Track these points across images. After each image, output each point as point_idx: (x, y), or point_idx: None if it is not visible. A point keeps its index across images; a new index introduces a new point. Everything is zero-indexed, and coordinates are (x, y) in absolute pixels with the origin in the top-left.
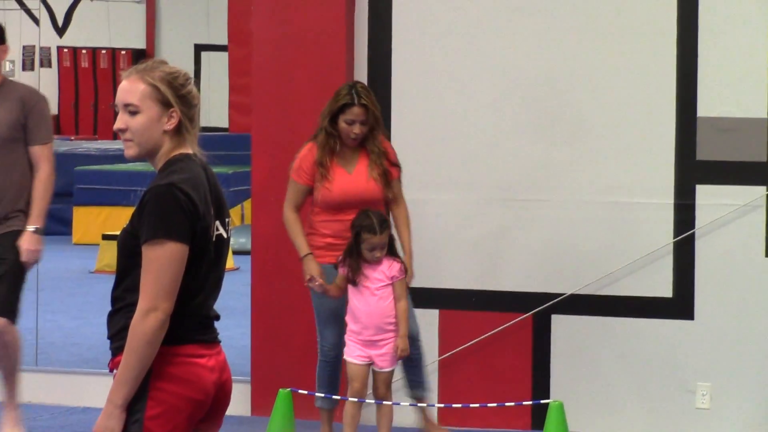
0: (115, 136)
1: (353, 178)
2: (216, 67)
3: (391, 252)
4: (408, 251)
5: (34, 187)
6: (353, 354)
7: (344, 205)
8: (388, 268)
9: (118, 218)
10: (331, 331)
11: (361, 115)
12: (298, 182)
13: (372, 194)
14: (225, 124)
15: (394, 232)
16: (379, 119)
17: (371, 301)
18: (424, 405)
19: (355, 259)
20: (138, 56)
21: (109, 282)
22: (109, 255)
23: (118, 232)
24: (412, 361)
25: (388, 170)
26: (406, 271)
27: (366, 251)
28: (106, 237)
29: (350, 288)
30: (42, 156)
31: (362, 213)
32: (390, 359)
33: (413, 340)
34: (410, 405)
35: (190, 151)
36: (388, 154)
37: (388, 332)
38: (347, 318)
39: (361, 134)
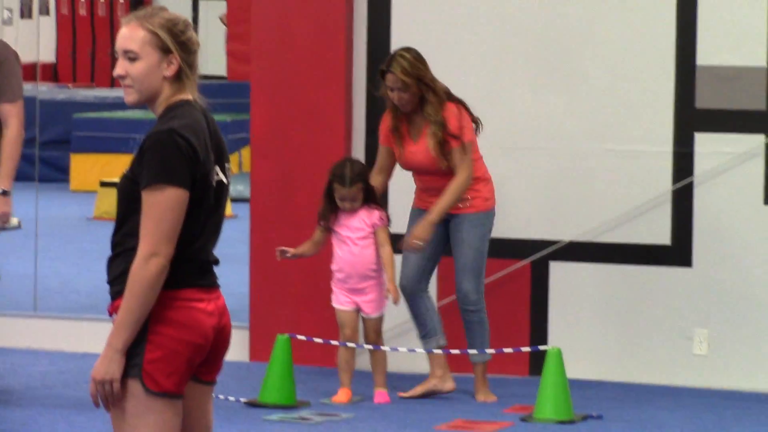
0: (113, 83)
1: (417, 148)
2: (214, 14)
3: (371, 200)
4: (432, 215)
5: (2, 147)
6: (340, 301)
7: (414, 171)
8: (368, 216)
9: (115, 165)
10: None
11: (396, 82)
12: (381, 144)
13: (431, 165)
14: (223, 72)
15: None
16: (428, 86)
17: (354, 251)
18: (415, 351)
19: (328, 205)
20: (136, 4)
21: (107, 229)
22: (107, 202)
23: (116, 179)
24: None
25: (446, 140)
26: (388, 219)
27: (337, 200)
28: (104, 184)
29: (333, 238)
30: (11, 114)
31: (340, 161)
32: (375, 305)
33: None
34: (408, 351)
35: (190, 97)
36: (447, 123)
37: (371, 279)
38: (333, 266)
39: (404, 101)
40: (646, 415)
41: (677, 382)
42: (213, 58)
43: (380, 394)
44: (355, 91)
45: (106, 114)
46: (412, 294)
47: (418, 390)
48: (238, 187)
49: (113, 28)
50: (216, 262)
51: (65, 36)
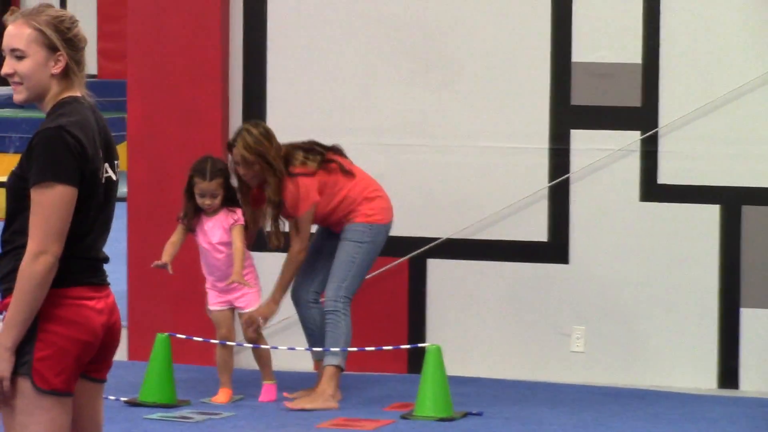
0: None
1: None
2: (82, 12)
3: (231, 202)
4: (275, 293)
5: None
6: (213, 301)
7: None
8: (225, 219)
9: None
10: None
11: (239, 158)
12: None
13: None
14: (93, 70)
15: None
16: (270, 164)
17: (217, 257)
18: (295, 348)
19: (189, 203)
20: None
21: None
22: None
23: None
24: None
25: (282, 216)
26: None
27: (197, 196)
28: None
29: (198, 243)
30: None
31: (202, 157)
32: (248, 300)
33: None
34: (288, 349)
35: (78, 94)
36: (284, 204)
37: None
38: (202, 267)
39: (248, 177)
40: (526, 412)
41: (556, 378)
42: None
43: (268, 389)
44: (232, 88)
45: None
46: (298, 303)
47: (306, 405)
48: None
49: None
50: (106, 259)
51: None
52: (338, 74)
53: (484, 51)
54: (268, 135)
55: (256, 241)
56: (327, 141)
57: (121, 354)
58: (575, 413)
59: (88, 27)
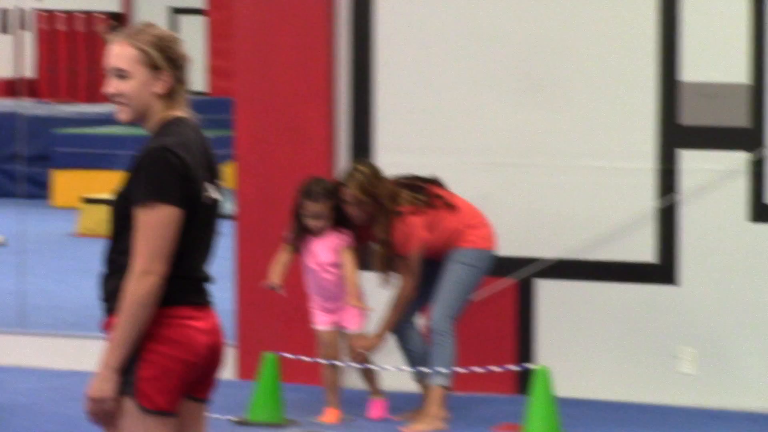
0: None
1: None
2: (193, 30)
3: (341, 223)
4: (380, 329)
5: None
6: (319, 321)
7: None
8: (334, 240)
9: (97, 181)
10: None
11: (350, 197)
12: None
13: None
14: (203, 87)
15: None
16: (381, 204)
17: (325, 276)
18: (401, 369)
19: (297, 224)
20: (115, 20)
21: (91, 245)
22: (90, 218)
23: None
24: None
25: (391, 256)
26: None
27: (304, 217)
28: (87, 201)
29: (305, 263)
30: None
31: (310, 178)
32: (354, 319)
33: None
34: (395, 369)
35: (181, 114)
36: (394, 244)
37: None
38: (309, 287)
39: (355, 215)
40: None
41: (664, 400)
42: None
43: (376, 404)
44: (339, 107)
45: (87, 130)
46: (396, 328)
47: (417, 428)
48: None
49: (93, 44)
50: (209, 279)
51: (45, 51)
52: (446, 93)
53: (592, 71)
54: (379, 175)
55: (361, 259)
56: (435, 160)
57: (229, 373)
58: None
59: (197, 44)
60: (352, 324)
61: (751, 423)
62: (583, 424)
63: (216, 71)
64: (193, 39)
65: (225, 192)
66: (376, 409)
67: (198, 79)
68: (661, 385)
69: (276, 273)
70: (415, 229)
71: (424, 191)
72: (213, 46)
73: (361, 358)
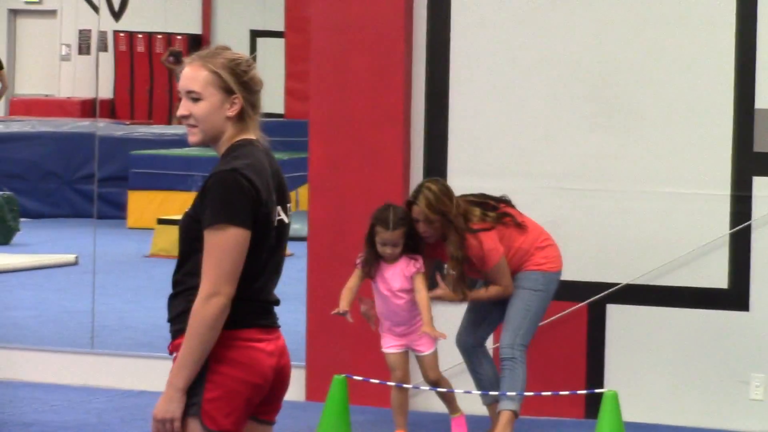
0: (170, 120)
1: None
2: (271, 52)
3: (413, 248)
4: (471, 296)
5: None
6: (389, 344)
7: None
8: (407, 267)
9: (172, 202)
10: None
11: (420, 215)
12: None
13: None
14: (280, 109)
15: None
16: (451, 221)
17: (397, 302)
18: (471, 392)
19: (370, 251)
20: (193, 41)
21: (163, 266)
22: (163, 239)
23: (173, 217)
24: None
25: (467, 272)
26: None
27: (378, 245)
28: (161, 221)
29: (377, 289)
30: None
31: (383, 206)
32: (427, 342)
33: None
34: (464, 392)
35: (252, 137)
36: (470, 260)
37: (418, 318)
38: (379, 312)
39: (427, 233)
40: None
41: (733, 426)
42: (270, 95)
43: (457, 422)
44: (414, 131)
45: (163, 151)
46: (464, 349)
47: None
48: (295, 226)
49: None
50: (277, 302)
51: (123, 72)
52: (520, 117)
53: (667, 96)
54: (449, 192)
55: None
56: (509, 184)
57: (298, 394)
58: None
59: (276, 66)
60: (423, 346)
61: None
62: None
63: (292, 93)
64: (272, 61)
65: (299, 214)
66: (458, 427)
67: (275, 101)
68: (731, 411)
69: (345, 299)
70: (492, 243)
71: (495, 209)
72: (290, 68)
73: (436, 377)
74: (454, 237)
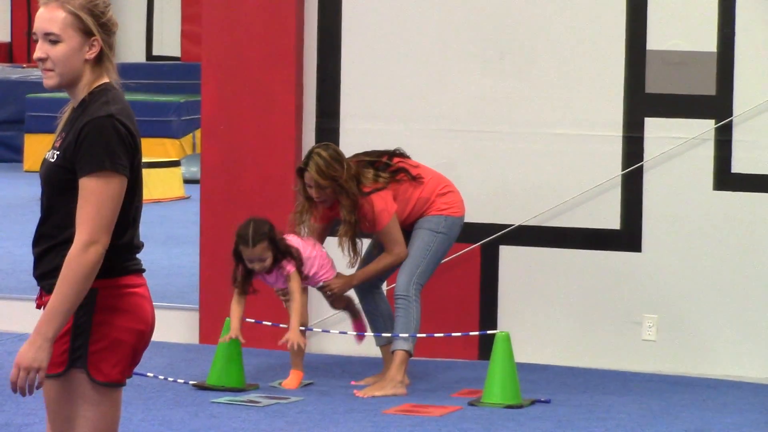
0: None
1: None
2: None
3: (282, 255)
4: (356, 278)
5: None
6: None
7: None
8: (281, 276)
9: None
10: None
11: (311, 181)
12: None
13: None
14: (177, 53)
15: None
16: (342, 187)
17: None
18: (365, 333)
19: (241, 267)
20: None
21: None
22: None
23: None
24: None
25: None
26: (300, 262)
27: (246, 262)
28: None
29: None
30: None
31: (245, 222)
32: (325, 274)
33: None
34: (357, 334)
35: (110, 81)
36: (361, 222)
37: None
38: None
39: (321, 198)
40: (594, 400)
41: (626, 367)
42: (167, 38)
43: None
44: (306, 73)
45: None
46: (360, 289)
47: (376, 392)
48: (192, 168)
49: None
50: (142, 247)
51: (20, 15)
52: (412, 60)
53: (559, 38)
54: (339, 157)
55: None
56: (401, 127)
57: (192, 337)
58: (644, 402)
59: (172, 9)
60: (324, 278)
61: (712, 390)
62: (544, 389)
63: (188, 36)
64: (169, 4)
65: (196, 157)
66: (358, 327)
67: (172, 44)
68: (624, 351)
69: (234, 328)
70: (384, 203)
71: (388, 167)
72: (185, 11)
73: (341, 301)
74: (346, 201)
